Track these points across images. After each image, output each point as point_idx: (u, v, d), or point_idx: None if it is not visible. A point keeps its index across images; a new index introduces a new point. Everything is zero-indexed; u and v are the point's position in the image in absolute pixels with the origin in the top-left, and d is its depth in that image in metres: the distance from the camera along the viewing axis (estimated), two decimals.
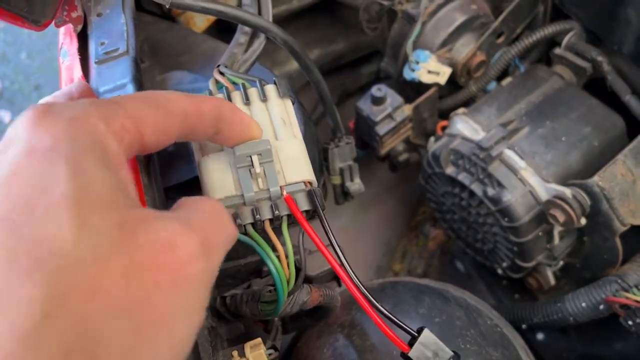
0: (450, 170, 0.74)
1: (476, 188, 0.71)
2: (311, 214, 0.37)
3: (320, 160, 0.60)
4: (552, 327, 0.79)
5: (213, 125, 0.33)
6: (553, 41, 0.79)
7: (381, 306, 0.36)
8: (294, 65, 0.93)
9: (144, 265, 0.23)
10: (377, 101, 0.76)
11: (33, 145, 0.23)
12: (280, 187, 0.36)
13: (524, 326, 0.74)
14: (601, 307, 0.64)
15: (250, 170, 0.35)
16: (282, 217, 0.36)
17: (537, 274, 0.77)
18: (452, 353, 0.36)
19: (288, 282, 0.37)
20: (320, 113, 0.94)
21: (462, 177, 0.72)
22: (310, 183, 0.37)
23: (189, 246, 0.25)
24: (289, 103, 0.40)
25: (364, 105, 0.78)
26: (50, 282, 0.20)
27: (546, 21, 0.81)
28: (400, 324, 0.36)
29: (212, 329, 0.43)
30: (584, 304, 0.66)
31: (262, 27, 0.47)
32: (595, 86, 0.74)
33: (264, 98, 0.39)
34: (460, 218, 0.79)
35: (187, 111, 0.31)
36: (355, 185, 0.60)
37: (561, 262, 0.75)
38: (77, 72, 0.48)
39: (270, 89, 0.40)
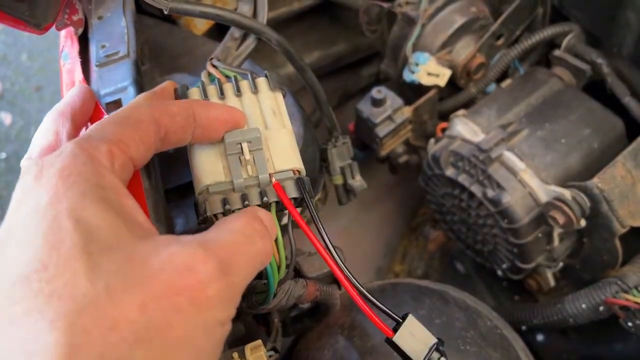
0: (450, 171, 0.74)
1: (476, 190, 0.71)
2: (299, 202, 0.37)
3: (319, 162, 0.61)
4: (552, 329, 0.80)
5: (188, 123, 0.34)
6: (552, 43, 0.79)
7: (362, 286, 0.35)
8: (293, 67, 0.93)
9: (161, 292, 0.24)
10: (377, 103, 0.77)
11: (36, 205, 0.25)
12: (269, 174, 0.36)
13: (523, 327, 0.74)
14: (601, 308, 0.65)
15: (240, 158, 0.36)
16: (270, 203, 0.36)
17: (537, 275, 0.77)
18: (436, 339, 0.36)
19: (279, 268, 0.37)
20: (321, 116, 0.94)
21: (462, 179, 0.72)
22: (299, 171, 0.38)
23: (206, 268, 0.26)
24: (279, 95, 0.41)
25: (364, 107, 0.78)
26: (71, 324, 0.22)
27: (545, 23, 0.81)
28: (384, 308, 0.36)
29: None
30: (583, 306, 0.66)
31: (257, 30, 0.49)
32: (595, 88, 0.75)
33: (255, 90, 0.40)
34: (460, 219, 0.79)
35: (155, 117, 0.32)
36: (357, 182, 0.60)
37: (561, 264, 0.75)
38: (78, 75, 0.48)
39: (262, 81, 0.41)
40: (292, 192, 0.37)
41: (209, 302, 0.26)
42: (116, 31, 0.50)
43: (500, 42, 0.81)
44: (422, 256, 0.98)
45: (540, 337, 0.81)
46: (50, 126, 0.35)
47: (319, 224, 0.36)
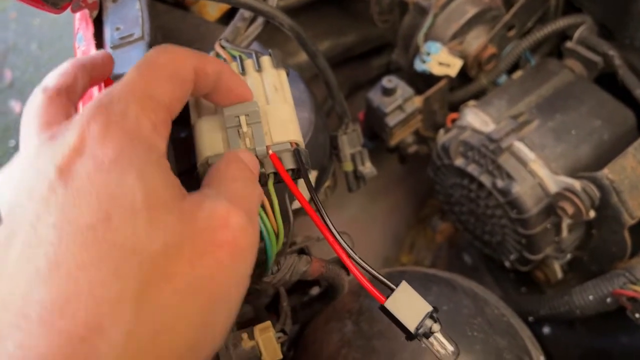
0: (459, 161, 0.74)
1: (485, 179, 0.71)
2: (297, 173, 0.38)
3: (330, 149, 0.61)
4: (559, 320, 0.80)
5: (212, 84, 0.35)
6: (564, 35, 0.79)
7: (354, 252, 0.36)
8: (304, 56, 0.93)
9: (205, 248, 0.26)
10: (388, 92, 0.77)
11: (102, 160, 0.26)
12: (267, 146, 0.37)
13: (530, 319, 0.74)
14: (608, 300, 0.65)
15: (238, 130, 0.37)
16: (268, 174, 0.37)
17: (545, 267, 0.77)
18: (431, 307, 0.35)
19: (277, 236, 0.37)
20: (332, 104, 0.94)
21: (472, 169, 0.72)
22: (297, 144, 0.38)
23: (239, 219, 0.28)
24: (283, 73, 0.42)
25: (375, 96, 0.78)
26: (134, 276, 0.24)
27: (558, 14, 0.81)
28: (378, 275, 0.36)
29: None
30: (591, 297, 0.66)
31: (269, 14, 0.49)
32: (606, 80, 0.74)
33: (259, 68, 0.41)
34: (468, 210, 0.79)
35: (196, 70, 0.33)
36: (368, 169, 0.61)
37: (569, 255, 0.75)
38: None
39: (265, 59, 0.42)
40: (289, 163, 0.37)
41: (243, 254, 0.28)
42: (131, 14, 0.50)
43: (512, 33, 0.80)
44: (430, 247, 0.98)
45: (546, 329, 0.81)
46: (71, 70, 0.35)
47: (314, 194, 0.37)
